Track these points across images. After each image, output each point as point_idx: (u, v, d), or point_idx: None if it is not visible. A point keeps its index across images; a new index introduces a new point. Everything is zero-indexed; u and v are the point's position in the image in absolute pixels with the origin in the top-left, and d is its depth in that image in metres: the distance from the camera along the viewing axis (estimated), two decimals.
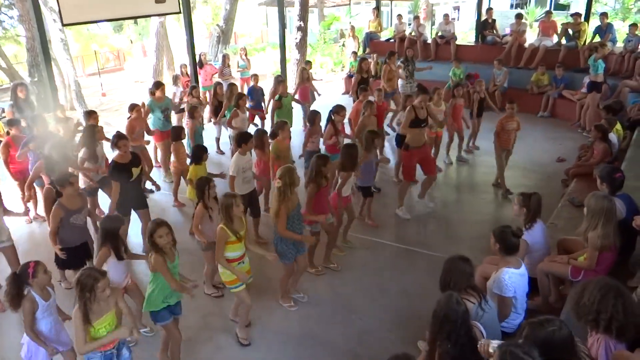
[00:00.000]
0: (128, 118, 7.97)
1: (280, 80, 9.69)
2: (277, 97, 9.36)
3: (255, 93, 10.23)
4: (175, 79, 11.31)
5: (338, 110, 7.43)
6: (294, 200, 4.79)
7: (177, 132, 7.57)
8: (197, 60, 11.80)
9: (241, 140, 6.14)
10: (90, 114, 7.41)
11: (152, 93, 8.65)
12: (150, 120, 8.45)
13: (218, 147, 10.06)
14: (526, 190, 5.04)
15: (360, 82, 10.22)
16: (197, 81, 11.31)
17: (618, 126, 7.77)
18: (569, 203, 6.39)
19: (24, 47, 13.11)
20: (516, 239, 4.03)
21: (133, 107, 7.83)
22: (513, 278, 3.94)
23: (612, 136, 7.37)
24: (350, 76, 14.40)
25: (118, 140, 5.84)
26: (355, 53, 14.71)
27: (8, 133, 7.14)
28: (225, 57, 13.50)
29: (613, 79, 10.86)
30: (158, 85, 8.74)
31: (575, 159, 8.06)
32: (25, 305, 3.78)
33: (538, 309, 4.36)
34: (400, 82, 11.11)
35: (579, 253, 4.52)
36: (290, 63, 15.53)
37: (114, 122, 13.91)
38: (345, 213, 6.18)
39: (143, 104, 7.98)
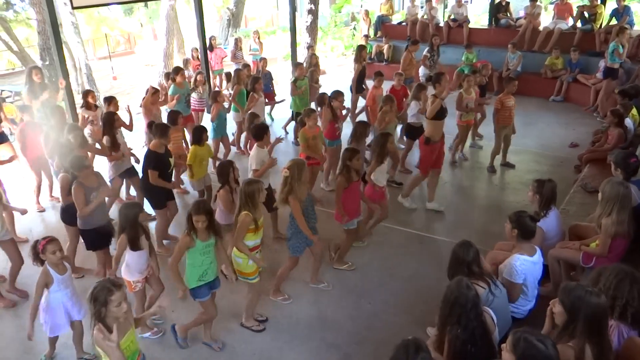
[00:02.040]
0: (143, 99, 8.00)
1: (297, 63, 9.75)
2: (292, 79, 9.35)
3: (264, 77, 10.18)
4: (186, 63, 11.29)
5: (336, 95, 7.37)
6: (302, 191, 4.68)
7: (173, 117, 7.11)
8: (208, 44, 11.75)
9: (259, 133, 5.93)
10: (110, 100, 7.35)
11: (173, 79, 8.62)
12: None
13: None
14: (539, 176, 4.99)
15: (361, 72, 10.00)
16: (207, 65, 11.27)
17: (634, 111, 7.65)
18: (582, 189, 6.33)
19: (35, 31, 13.12)
20: (533, 224, 3.99)
21: (154, 91, 7.92)
22: (525, 265, 3.92)
23: (628, 121, 7.27)
24: None
25: (167, 130, 5.76)
26: (367, 36, 14.57)
27: (22, 119, 7.10)
28: (237, 41, 13.43)
29: (629, 63, 10.65)
30: (177, 70, 8.72)
31: (589, 144, 7.96)
32: (39, 279, 4.05)
33: (549, 295, 4.34)
34: (421, 70, 10.96)
35: (591, 239, 4.48)
36: (301, 47, 15.41)
37: (124, 105, 13.91)
38: (379, 207, 5.93)
39: (152, 88, 8.01)
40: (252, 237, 4.39)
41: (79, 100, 9.20)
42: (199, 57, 11.41)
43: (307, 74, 9.53)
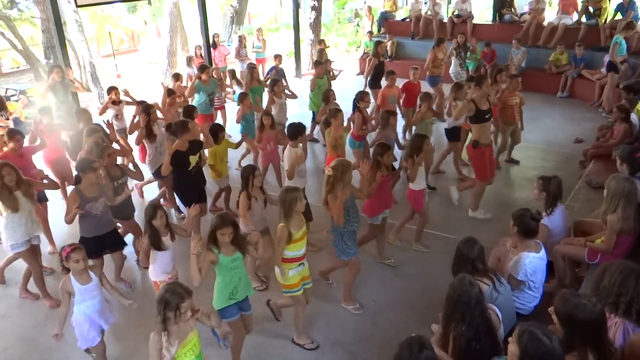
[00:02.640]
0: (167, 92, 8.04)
1: (316, 61, 9.57)
2: (313, 78, 9.26)
3: (277, 74, 10.15)
4: (189, 60, 11.30)
5: (362, 96, 7.19)
6: (345, 193, 4.50)
7: (189, 111, 7.19)
8: (211, 41, 11.76)
9: (294, 133, 5.78)
10: (170, 92, 7.58)
11: (198, 77, 8.59)
12: (194, 103, 8.41)
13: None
14: (544, 172, 4.98)
15: (377, 66, 9.98)
16: (210, 62, 11.27)
17: (639, 106, 7.61)
18: (587, 185, 6.30)
19: (39, 29, 13.16)
20: (535, 223, 3.99)
21: (170, 94, 7.91)
22: (534, 262, 3.92)
23: (633, 116, 7.23)
24: (365, 56, 14.25)
25: (186, 124, 5.72)
26: (371, 33, 14.53)
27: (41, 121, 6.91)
28: (241, 38, 13.43)
29: (634, 58, 10.58)
30: (203, 68, 8.69)
31: (594, 140, 7.93)
32: (62, 287, 3.91)
33: (554, 292, 4.33)
34: (452, 69, 10.85)
35: (596, 235, 4.46)
36: (304, 43, 15.39)
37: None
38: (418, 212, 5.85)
39: (166, 88, 8.05)
40: (295, 247, 4.16)
41: (82, 98, 9.24)
42: (202, 54, 11.42)
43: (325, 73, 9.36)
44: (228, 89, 9.96)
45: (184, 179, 5.78)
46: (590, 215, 5.05)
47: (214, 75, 9.14)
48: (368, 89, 9.65)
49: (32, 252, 5.11)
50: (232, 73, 10.41)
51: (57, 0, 9.11)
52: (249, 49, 13.49)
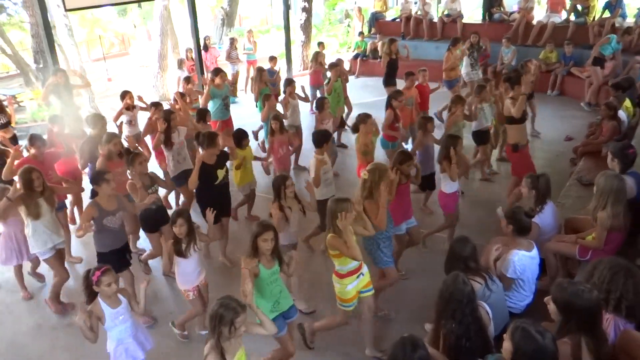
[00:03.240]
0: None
1: (334, 64, 9.30)
2: (326, 81, 9.03)
3: (272, 75, 10.13)
4: (181, 63, 11.28)
5: (396, 95, 6.97)
6: (384, 196, 4.35)
7: (202, 114, 7.14)
8: (202, 44, 11.73)
9: (321, 140, 5.62)
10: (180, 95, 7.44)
11: (212, 80, 8.27)
12: (209, 108, 8.24)
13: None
14: (536, 170, 4.99)
15: (390, 64, 9.81)
16: (202, 65, 11.24)
17: (627, 103, 7.67)
18: (577, 182, 6.34)
19: (28, 34, 13.07)
20: (528, 220, 4.03)
21: (181, 97, 7.73)
22: (523, 260, 3.95)
23: (622, 113, 7.28)
24: (356, 57, 14.28)
25: (215, 138, 5.42)
26: (362, 33, 14.57)
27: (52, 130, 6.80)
28: (232, 40, 13.43)
29: (623, 55, 10.66)
30: (217, 72, 8.34)
31: (584, 137, 7.98)
32: (91, 313, 3.64)
33: (546, 289, 4.36)
34: (464, 70, 10.65)
35: (587, 232, 4.50)
36: (296, 45, 15.39)
37: (119, 107, 13.85)
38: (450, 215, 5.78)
39: (178, 94, 7.91)
40: (345, 261, 3.98)
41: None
42: (194, 57, 11.39)
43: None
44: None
45: (208, 193, 5.49)
46: (581, 212, 5.08)
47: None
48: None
49: (59, 258, 5.13)
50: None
51: (46, 5, 9.06)
52: (240, 51, 13.47)
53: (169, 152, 6.40)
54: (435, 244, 5.99)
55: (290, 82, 8.34)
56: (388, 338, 2.95)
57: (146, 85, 14.77)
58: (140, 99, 7.59)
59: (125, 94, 7.72)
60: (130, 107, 7.64)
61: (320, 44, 12.50)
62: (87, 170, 6.23)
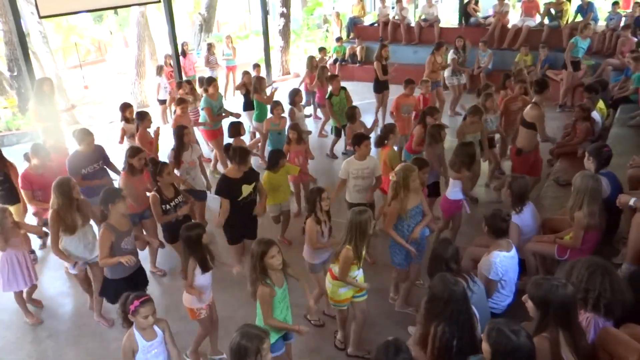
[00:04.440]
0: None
1: (333, 75, 9.20)
2: (327, 95, 8.77)
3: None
4: (160, 70, 11.18)
5: (432, 112, 6.67)
6: (411, 201, 4.41)
7: (237, 128, 6.89)
8: (180, 50, 11.66)
9: (355, 141, 5.38)
10: (180, 102, 7.26)
11: (205, 90, 8.14)
12: (201, 118, 8.23)
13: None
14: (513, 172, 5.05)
15: (382, 69, 9.77)
16: (180, 71, 11.17)
17: (601, 104, 7.85)
18: (554, 182, 6.45)
19: (1, 41, 12.82)
20: (504, 223, 4.09)
21: (180, 102, 7.56)
22: (504, 261, 3.99)
23: (596, 115, 7.43)
24: (335, 62, 14.33)
25: (247, 156, 5.06)
26: (340, 39, 14.63)
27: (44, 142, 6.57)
28: (210, 46, 13.38)
29: (595, 57, 10.91)
30: (210, 81, 8.19)
31: (560, 138, 8.11)
32: (125, 345, 3.45)
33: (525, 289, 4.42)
34: (446, 73, 10.65)
35: (565, 232, 4.57)
36: (274, 50, 15.39)
37: (97, 115, 13.69)
38: (451, 221, 5.75)
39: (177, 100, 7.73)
40: (353, 269, 4.05)
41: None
42: (171, 63, 11.31)
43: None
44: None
45: (231, 210, 5.06)
46: (558, 213, 5.17)
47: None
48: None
49: (87, 277, 4.91)
50: (201, 81, 10.28)
51: (20, 12, 8.91)
52: (219, 56, 13.42)
53: (178, 170, 5.94)
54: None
55: (297, 92, 8.19)
56: (373, 342, 2.95)
57: (124, 92, 14.62)
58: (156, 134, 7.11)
59: (125, 108, 7.34)
60: (130, 120, 7.23)
61: (322, 50, 12.41)
62: None
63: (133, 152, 5.37)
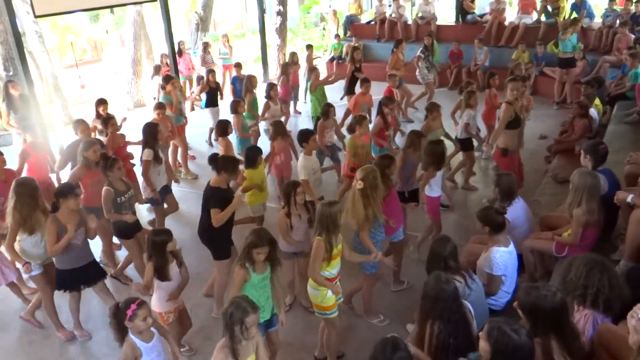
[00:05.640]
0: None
1: (313, 67, 9.41)
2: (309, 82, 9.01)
3: (239, 82, 10.06)
4: (157, 70, 11.15)
5: (388, 102, 6.95)
6: (378, 200, 4.37)
7: (224, 127, 6.82)
8: (177, 49, 11.64)
9: (302, 139, 5.58)
10: (159, 107, 7.27)
11: (163, 87, 8.31)
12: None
13: (209, 138, 9.69)
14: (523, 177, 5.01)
15: (353, 72, 9.94)
16: (177, 71, 11.15)
17: (597, 101, 7.85)
18: (552, 179, 6.46)
19: None
20: (501, 217, 4.09)
21: (158, 107, 7.38)
22: (504, 257, 4.00)
23: (593, 111, 7.44)
24: (332, 60, 14.32)
25: (234, 164, 4.89)
26: (338, 36, 14.62)
27: (25, 140, 6.62)
28: (206, 45, 13.35)
29: (592, 54, 10.92)
30: (168, 79, 8.37)
31: (558, 135, 8.13)
32: (125, 351, 3.41)
33: None
34: (418, 71, 10.70)
35: (563, 229, 4.56)
36: (271, 48, 15.36)
37: (93, 114, 13.61)
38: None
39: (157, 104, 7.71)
40: (326, 268, 3.96)
41: (46, 110, 8.97)
42: (168, 62, 11.29)
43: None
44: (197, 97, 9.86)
45: (227, 221, 4.80)
46: (556, 210, 5.17)
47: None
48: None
49: (47, 277, 4.78)
50: (199, 79, 10.29)
51: (15, 11, 8.87)
52: (215, 55, 13.39)
53: (154, 168, 5.97)
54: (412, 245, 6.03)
55: (272, 86, 8.32)
56: (372, 341, 2.94)
57: (120, 91, 14.59)
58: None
59: (100, 103, 7.39)
60: (102, 117, 7.16)
61: (310, 47, 12.44)
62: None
63: (87, 144, 5.45)
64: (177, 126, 8.06)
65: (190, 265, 4.42)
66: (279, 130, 6.53)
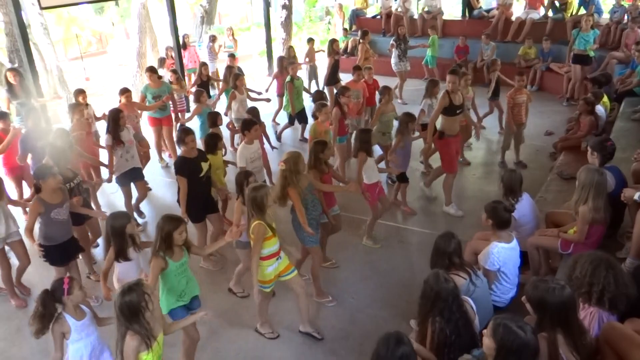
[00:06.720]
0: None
1: (291, 62, 9.51)
2: (288, 78, 8.91)
3: (228, 71, 9.98)
4: (162, 62, 11.12)
5: (343, 91, 7.18)
6: (302, 182, 4.64)
7: (214, 119, 6.92)
8: (181, 42, 11.62)
9: (244, 127, 5.78)
10: (124, 91, 7.40)
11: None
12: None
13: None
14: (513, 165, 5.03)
15: (333, 65, 10.22)
16: (181, 63, 11.13)
17: (605, 98, 7.79)
18: (558, 176, 6.42)
19: (2, 32, 12.77)
20: (508, 214, 4.07)
21: (124, 92, 7.47)
22: (502, 252, 3.98)
23: (600, 108, 7.39)
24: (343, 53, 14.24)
25: (185, 135, 5.31)
26: (346, 30, 14.56)
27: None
28: (213, 37, 13.31)
29: (600, 50, 10.82)
30: (151, 69, 8.48)
31: (564, 132, 8.08)
32: (54, 330, 3.45)
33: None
34: (393, 60, 11.04)
35: (568, 226, 4.54)
36: (276, 42, 15.31)
37: (98, 107, 13.63)
38: (379, 203, 5.89)
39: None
40: (270, 243, 4.17)
41: (51, 103, 9.00)
42: (173, 55, 11.27)
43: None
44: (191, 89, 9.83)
45: (194, 187, 5.31)
46: (562, 207, 5.14)
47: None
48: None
49: (4, 253, 5.09)
50: (201, 68, 10.25)
51: (20, 3, 8.87)
52: (216, 48, 13.33)
53: (117, 150, 6.19)
54: (419, 240, 6.02)
55: (238, 77, 8.34)
56: (373, 335, 2.94)
57: (125, 84, 14.57)
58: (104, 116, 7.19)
59: (79, 93, 7.36)
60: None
61: (311, 41, 12.39)
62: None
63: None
64: (163, 117, 8.21)
65: None
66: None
